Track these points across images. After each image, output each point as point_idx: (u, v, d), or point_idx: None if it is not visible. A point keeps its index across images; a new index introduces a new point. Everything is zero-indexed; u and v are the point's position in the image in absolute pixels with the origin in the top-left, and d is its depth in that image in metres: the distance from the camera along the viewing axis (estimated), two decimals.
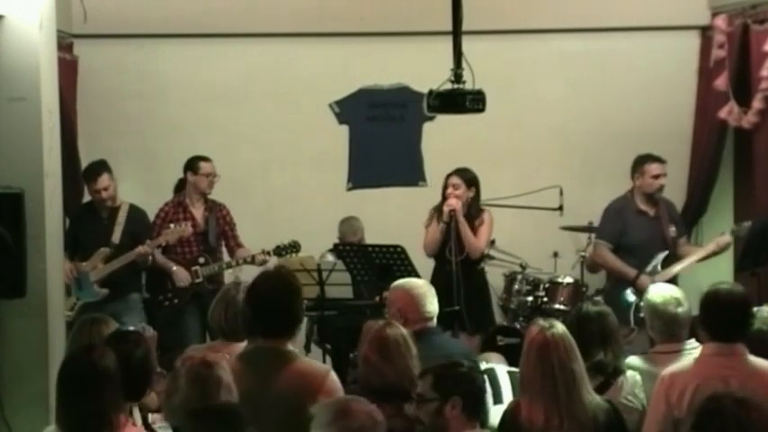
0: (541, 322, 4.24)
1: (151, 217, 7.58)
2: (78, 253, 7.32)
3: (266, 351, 4.07)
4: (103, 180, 7.27)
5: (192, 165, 7.61)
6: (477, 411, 3.87)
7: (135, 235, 7.23)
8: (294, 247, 7.37)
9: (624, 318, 6.65)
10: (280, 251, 7.36)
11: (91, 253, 7.25)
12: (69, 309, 7.18)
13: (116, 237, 7.25)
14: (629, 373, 4.68)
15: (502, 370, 5.02)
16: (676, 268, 7.15)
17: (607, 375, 4.56)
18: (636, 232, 7.28)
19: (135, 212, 7.39)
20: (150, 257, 7.19)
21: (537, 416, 4.01)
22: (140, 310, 7.27)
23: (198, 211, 7.63)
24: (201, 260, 7.51)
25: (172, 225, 7.36)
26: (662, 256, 7.16)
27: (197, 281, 7.44)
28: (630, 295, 7.10)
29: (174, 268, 7.43)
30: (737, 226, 7.25)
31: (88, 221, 7.39)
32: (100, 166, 7.33)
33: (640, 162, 7.32)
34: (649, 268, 7.13)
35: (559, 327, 4.21)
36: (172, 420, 3.66)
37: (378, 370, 4.27)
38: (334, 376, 4.11)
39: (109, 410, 3.63)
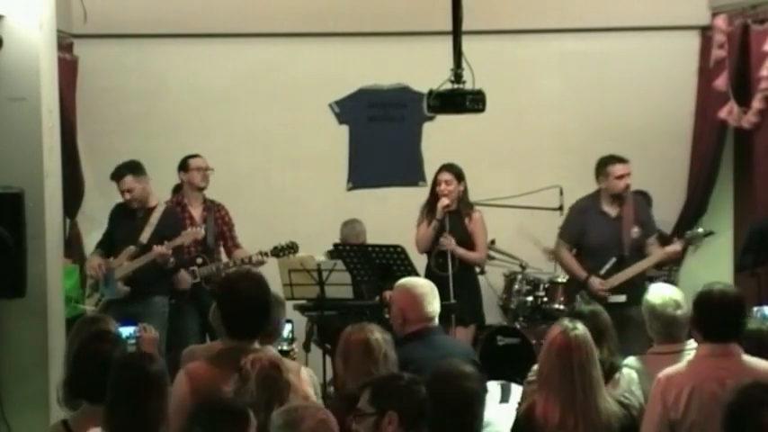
0: (565, 323, 4.27)
1: None
2: (112, 250, 7.34)
3: (239, 351, 4.04)
4: (126, 182, 7.25)
5: (183, 164, 7.64)
6: (417, 426, 3.76)
7: (165, 236, 7.16)
8: (291, 248, 7.36)
9: None
10: (277, 252, 7.34)
11: (121, 250, 7.27)
12: (94, 304, 7.21)
13: (145, 236, 7.22)
14: (626, 370, 4.71)
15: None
16: (628, 273, 7.02)
17: (604, 372, 4.57)
18: (594, 234, 7.18)
19: (169, 214, 7.35)
20: (171, 260, 7.17)
21: (552, 414, 4.06)
22: (162, 314, 7.19)
23: (196, 211, 7.64)
24: (199, 260, 7.52)
25: (189, 228, 7.36)
26: (613, 260, 7.06)
27: (195, 281, 7.45)
28: (581, 296, 7.07)
29: (180, 271, 7.44)
30: (691, 232, 7.21)
31: (123, 220, 7.39)
32: (124, 168, 7.31)
33: (603, 164, 7.19)
34: (602, 272, 7.07)
35: (581, 328, 4.23)
36: None
37: (340, 376, 4.38)
38: (306, 371, 4.20)
39: (156, 418, 3.66)
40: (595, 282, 7.02)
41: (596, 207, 7.22)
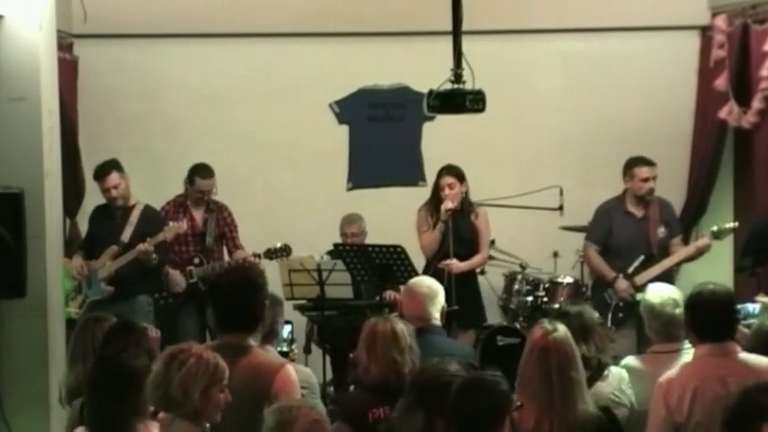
0: (546, 324, 4.26)
1: None
2: (93, 252, 7.36)
3: (226, 347, 4.04)
4: (112, 179, 7.29)
5: (191, 176, 7.66)
6: None
7: (146, 234, 7.20)
8: (285, 250, 7.36)
9: (603, 318, 6.78)
10: (270, 254, 7.36)
11: (102, 251, 7.29)
12: (78, 306, 7.22)
13: (126, 236, 7.26)
14: (615, 369, 4.73)
15: None
16: (656, 270, 7.14)
17: (592, 370, 4.59)
18: (620, 234, 7.34)
19: (149, 213, 7.39)
20: (154, 256, 7.18)
21: (527, 419, 4.02)
22: (147, 313, 7.20)
23: (198, 212, 7.68)
24: (196, 261, 7.57)
25: (171, 222, 7.38)
26: (642, 258, 7.19)
27: (191, 281, 7.48)
28: (609, 296, 7.17)
29: (170, 271, 7.48)
30: (719, 228, 7.24)
31: (102, 221, 7.42)
32: (109, 165, 7.36)
33: (630, 165, 7.35)
34: (630, 270, 7.19)
35: (562, 330, 4.23)
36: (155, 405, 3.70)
37: (363, 366, 4.35)
38: (289, 369, 4.09)
39: (133, 414, 3.66)
40: (622, 283, 7.15)
41: (621, 208, 7.38)
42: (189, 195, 7.71)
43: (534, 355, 4.16)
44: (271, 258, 7.35)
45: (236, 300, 4.11)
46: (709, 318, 4.37)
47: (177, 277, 7.50)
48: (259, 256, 7.37)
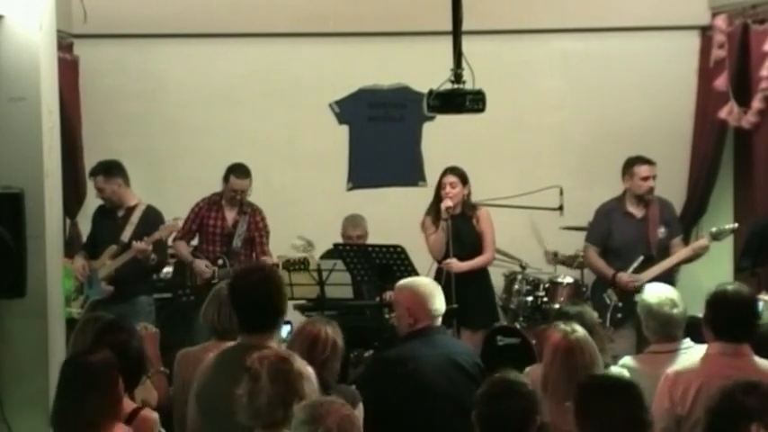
0: (562, 326, 4.28)
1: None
2: (95, 252, 7.38)
3: (247, 348, 3.99)
4: (96, 182, 7.36)
5: (226, 174, 7.63)
6: None
7: (146, 234, 7.18)
8: (303, 263, 7.30)
9: (603, 318, 6.79)
10: (288, 266, 7.27)
11: (103, 251, 7.30)
12: (80, 306, 7.22)
13: (126, 235, 7.25)
14: (615, 368, 4.73)
15: None
16: (655, 271, 7.14)
17: None
18: (620, 234, 7.34)
19: (150, 214, 7.37)
20: (153, 256, 7.17)
21: (562, 419, 4.02)
22: (149, 314, 7.18)
23: (231, 213, 7.66)
24: (220, 262, 7.55)
25: (167, 221, 7.38)
26: (641, 258, 7.19)
27: (213, 281, 7.44)
28: (608, 297, 7.18)
29: (196, 261, 7.49)
30: (718, 229, 7.24)
31: (103, 220, 7.43)
32: (97, 168, 7.39)
33: (630, 164, 7.34)
34: (630, 271, 7.19)
35: (580, 331, 4.26)
36: (255, 422, 3.60)
37: None
38: (311, 370, 4.08)
39: (95, 414, 3.65)
40: (624, 275, 7.15)
41: (621, 208, 7.38)
42: (224, 194, 7.70)
43: (559, 357, 4.19)
44: (289, 270, 7.22)
45: (261, 300, 4.09)
46: (730, 317, 4.37)
47: (200, 266, 7.47)
48: (277, 266, 7.29)
